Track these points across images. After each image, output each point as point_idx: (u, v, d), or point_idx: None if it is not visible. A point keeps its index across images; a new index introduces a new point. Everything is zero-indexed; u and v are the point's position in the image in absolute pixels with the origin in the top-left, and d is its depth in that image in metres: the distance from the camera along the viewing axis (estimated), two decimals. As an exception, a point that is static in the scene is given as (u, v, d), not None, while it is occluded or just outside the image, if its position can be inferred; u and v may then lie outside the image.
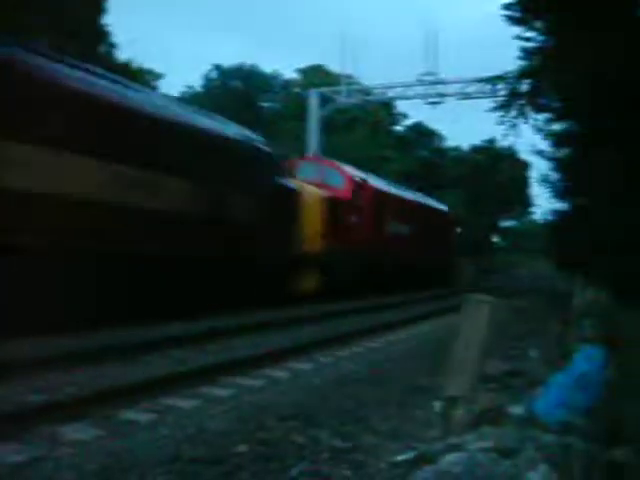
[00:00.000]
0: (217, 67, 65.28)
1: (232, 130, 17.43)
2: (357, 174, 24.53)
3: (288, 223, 18.55)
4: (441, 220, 35.77)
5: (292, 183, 19.53)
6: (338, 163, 24.66)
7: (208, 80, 65.38)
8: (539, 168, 40.00)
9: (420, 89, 35.18)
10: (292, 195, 19.01)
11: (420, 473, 1.74)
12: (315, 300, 18.37)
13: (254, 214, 16.78)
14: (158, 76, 42.31)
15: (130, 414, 6.36)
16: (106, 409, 6.42)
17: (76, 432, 5.71)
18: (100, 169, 12.07)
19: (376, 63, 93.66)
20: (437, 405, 7.41)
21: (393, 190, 28.71)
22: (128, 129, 12.89)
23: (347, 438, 6.02)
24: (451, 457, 1.87)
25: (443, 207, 38.45)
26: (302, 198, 19.44)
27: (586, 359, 5.03)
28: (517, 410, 2.86)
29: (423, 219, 31.52)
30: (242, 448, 5.45)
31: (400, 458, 5.66)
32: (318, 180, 22.10)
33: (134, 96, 13.90)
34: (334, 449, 5.68)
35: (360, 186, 23.97)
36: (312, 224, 19.78)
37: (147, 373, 8.26)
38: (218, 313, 14.18)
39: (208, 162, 15.26)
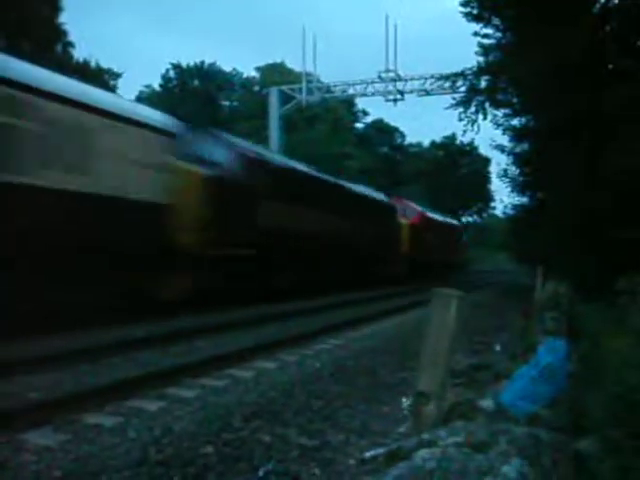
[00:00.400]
0: (175, 66, 64.78)
1: (370, 192, 31.80)
2: (419, 209, 38.33)
3: (397, 241, 32.91)
4: (453, 229, 50.49)
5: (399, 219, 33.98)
6: (412, 202, 38.81)
7: (166, 79, 64.84)
8: (499, 163, 40.32)
9: (380, 86, 35.35)
10: (399, 225, 33.81)
11: (393, 470, 1.74)
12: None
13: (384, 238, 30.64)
14: (117, 75, 41.79)
15: (95, 418, 6.26)
16: (70, 414, 6.32)
17: (39, 438, 5.61)
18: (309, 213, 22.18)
19: (337, 61, 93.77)
20: (405, 401, 7.46)
21: (435, 216, 42.91)
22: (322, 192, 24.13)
23: (315, 436, 6.02)
24: (424, 453, 1.87)
25: (457, 223, 56.73)
26: (401, 226, 33.99)
27: (550, 351, 5.09)
28: (486, 404, 2.88)
29: (445, 231, 45.10)
30: (209, 449, 5.41)
31: (369, 455, 5.68)
32: (402, 214, 34.77)
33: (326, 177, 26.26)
34: (302, 447, 5.68)
35: (423, 216, 37.76)
36: (404, 240, 33.95)
37: (111, 376, 8.14)
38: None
39: (357, 209, 27.79)
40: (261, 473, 5.05)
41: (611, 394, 4.32)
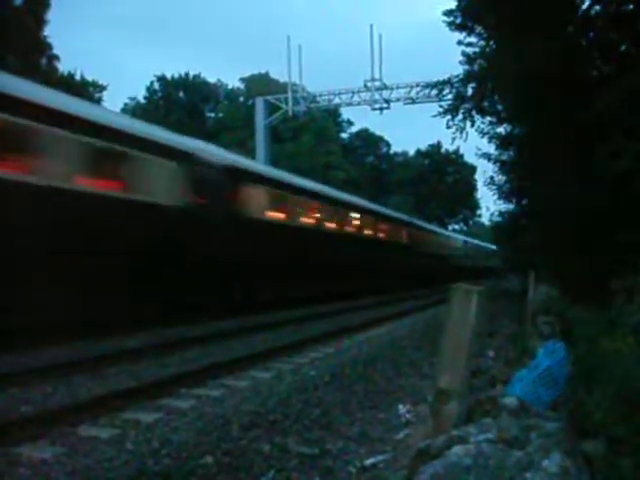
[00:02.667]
0: (160, 78, 64.69)
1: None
2: None
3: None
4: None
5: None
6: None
7: (151, 91, 64.73)
8: (485, 171, 40.47)
9: (366, 95, 35.41)
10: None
11: (428, 468, 1.71)
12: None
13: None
14: (102, 88, 41.68)
15: (91, 430, 6.19)
16: (64, 426, 6.25)
17: (34, 451, 5.54)
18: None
19: (322, 71, 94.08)
20: (402, 408, 7.43)
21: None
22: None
23: (314, 444, 5.97)
24: (458, 450, 1.84)
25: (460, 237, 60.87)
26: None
27: (549, 354, 5.08)
28: (509, 400, 2.86)
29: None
30: (208, 459, 5.35)
31: (368, 462, 5.64)
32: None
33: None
34: (301, 456, 5.63)
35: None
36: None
37: (105, 388, 8.08)
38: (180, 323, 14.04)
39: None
40: (262, 482, 5.01)
41: (614, 395, 4.31)
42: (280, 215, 20.91)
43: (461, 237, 60.15)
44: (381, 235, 32.38)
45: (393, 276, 32.93)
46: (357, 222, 28.80)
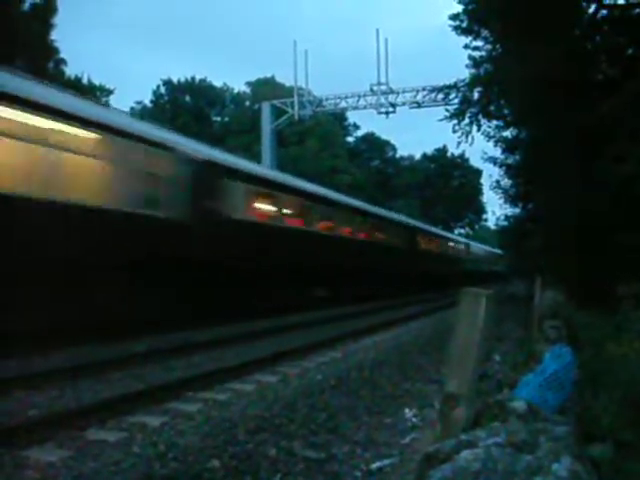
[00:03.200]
0: (166, 82, 64.85)
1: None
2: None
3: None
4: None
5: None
6: None
7: (157, 95, 64.91)
8: (491, 175, 40.50)
9: (372, 99, 35.46)
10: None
11: (437, 472, 1.71)
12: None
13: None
14: (109, 92, 41.84)
15: (98, 434, 6.20)
16: (72, 430, 6.27)
17: (42, 455, 5.55)
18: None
19: (328, 75, 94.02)
20: (408, 412, 7.43)
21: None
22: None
23: (320, 448, 5.97)
24: (467, 454, 1.84)
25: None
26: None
27: (556, 358, 5.07)
28: (518, 404, 2.86)
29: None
30: (215, 463, 5.35)
31: (375, 466, 5.65)
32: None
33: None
34: (307, 460, 5.63)
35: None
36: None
37: (112, 391, 8.10)
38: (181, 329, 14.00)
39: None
40: (268, 486, 5.01)
41: (621, 399, 4.31)
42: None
43: (466, 241, 60.46)
44: (384, 238, 32.74)
45: (403, 280, 33.68)
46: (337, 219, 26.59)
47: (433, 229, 46.30)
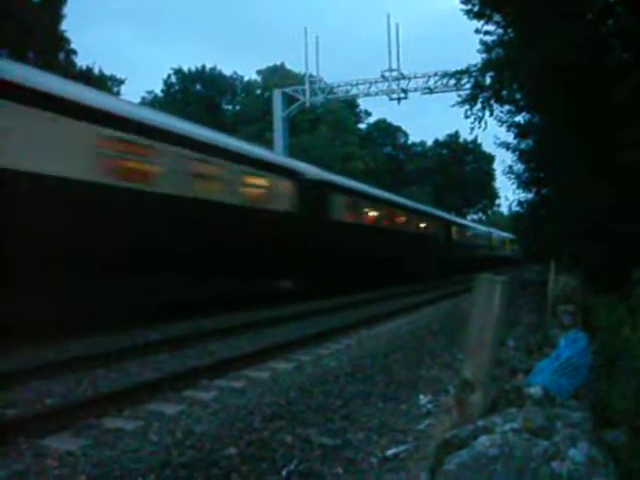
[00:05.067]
0: (177, 71, 64.84)
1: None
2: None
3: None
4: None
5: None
6: None
7: (168, 85, 64.93)
8: (504, 160, 40.21)
9: (384, 85, 35.30)
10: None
11: (455, 458, 1.72)
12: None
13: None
14: (120, 82, 41.90)
15: (115, 422, 6.26)
16: (89, 418, 6.33)
17: (60, 443, 5.61)
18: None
19: (339, 62, 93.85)
20: (423, 398, 7.45)
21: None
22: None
23: (335, 435, 6.00)
24: (484, 440, 1.85)
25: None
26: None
27: (571, 344, 5.07)
28: (534, 390, 2.86)
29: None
30: (232, 450, 5.39)
31: (390, 452, 5.67)
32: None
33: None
34: (323, 447, 5.66)
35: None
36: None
37: (128, 380, 8.16)
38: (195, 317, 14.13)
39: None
40: (285, 473, 5.04)
41: (637, 384, 4.31)
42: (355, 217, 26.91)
43: (485, 228, 61.88)
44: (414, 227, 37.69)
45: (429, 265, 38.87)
46: (403, 218, 34.51)
47: (463, 221, 53.67)
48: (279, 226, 19.46)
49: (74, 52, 32.55)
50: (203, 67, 65.71)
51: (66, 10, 30.46)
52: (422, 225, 37.44)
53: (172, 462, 5.10)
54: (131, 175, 13.73)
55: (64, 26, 30.89)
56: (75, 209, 11.92)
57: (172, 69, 64.88)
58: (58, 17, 30.18)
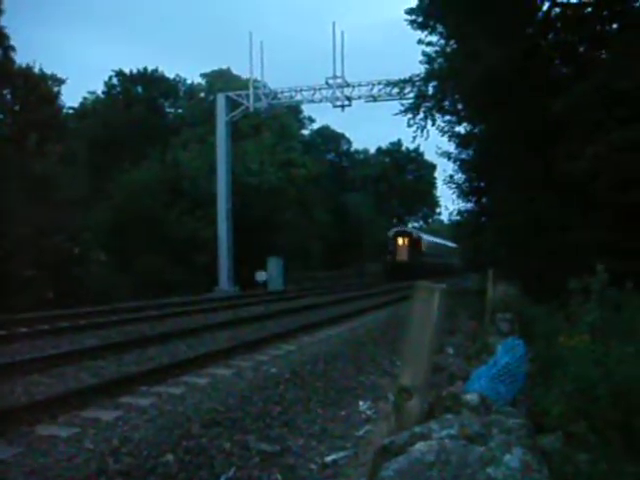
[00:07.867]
0: (118, 73, 63.87)
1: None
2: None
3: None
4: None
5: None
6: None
7: (109, 86, 63.89)
8: (445, 169, 40.81)
9: (328, 92, 35.40)
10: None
11: (393, 464, 1.73)
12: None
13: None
14: (60, 82, 40.97)
15: (49, 429, 6.11)
16: (21, 426, 6.16)
17: (-9, 451, 5.45)
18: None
19: (283, 68, 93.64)
20: (363, 405, 7.49)
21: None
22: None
23: (275, 442, 5.99)
24: (421, 446, 1.86)
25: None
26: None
27: (508, 351, 5.16)
28: (470, 397, 2.90)
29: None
30: (169, 457, 5.33)
31: (329, 459, 5.68)
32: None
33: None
34: (262, 453, 5.64)
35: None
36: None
37: (64, 386, 7.98)
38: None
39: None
40: (223, 480, 5.01)
41: (571, 391, 4.40)
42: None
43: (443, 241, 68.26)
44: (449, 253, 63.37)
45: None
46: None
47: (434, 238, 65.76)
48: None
49: (13, 49, 31.70)
50: (145, 69, 64.86)
51: (6, 6, 29.65)
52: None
53: (108, 469, 5.00)
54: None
55: (3, 21, 30.07)
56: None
57: (113, 71, 63.83)
58: (-4, 11, 29.33)
